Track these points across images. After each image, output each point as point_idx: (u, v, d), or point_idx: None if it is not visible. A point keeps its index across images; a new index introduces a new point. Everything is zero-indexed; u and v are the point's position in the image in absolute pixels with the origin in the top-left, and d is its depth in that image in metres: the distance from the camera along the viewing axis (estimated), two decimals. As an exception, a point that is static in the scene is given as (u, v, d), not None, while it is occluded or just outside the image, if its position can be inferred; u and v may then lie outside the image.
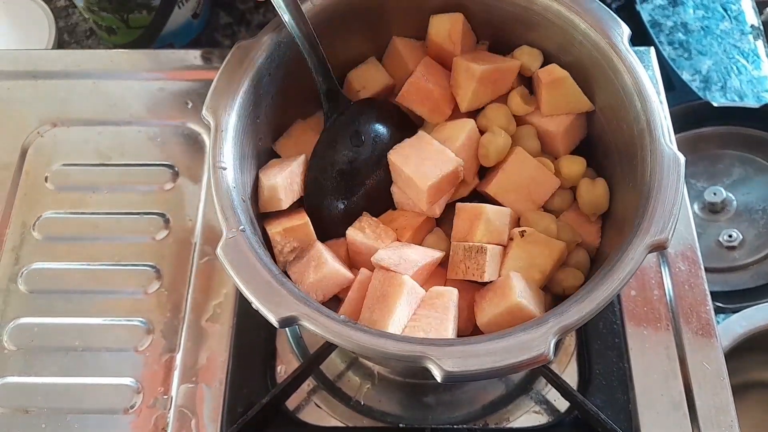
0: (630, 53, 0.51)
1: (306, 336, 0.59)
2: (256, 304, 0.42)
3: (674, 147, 0.47)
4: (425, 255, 0.50)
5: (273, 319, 0.41)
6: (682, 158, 0.46)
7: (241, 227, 0.45)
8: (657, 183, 0.45)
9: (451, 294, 0.47)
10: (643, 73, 0.50)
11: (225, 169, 0.47)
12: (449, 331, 0.45)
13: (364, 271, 0.50)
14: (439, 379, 0.39)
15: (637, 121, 0.49)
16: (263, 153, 0.54)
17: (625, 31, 0.51)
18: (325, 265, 0.49)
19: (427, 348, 0.40)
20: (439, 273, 0.52)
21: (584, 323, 0.42)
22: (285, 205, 0.52)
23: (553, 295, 0.51)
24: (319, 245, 0.51)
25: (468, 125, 0.54)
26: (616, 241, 0.47)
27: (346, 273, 0.50)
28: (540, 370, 0.55)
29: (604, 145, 0.55)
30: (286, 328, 0.58)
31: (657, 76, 0.73)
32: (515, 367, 0.40)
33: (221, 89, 0.49)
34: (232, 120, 0.49)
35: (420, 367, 0.40)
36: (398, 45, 0.58)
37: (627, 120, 0.50)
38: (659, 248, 0.44)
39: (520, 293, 0.46)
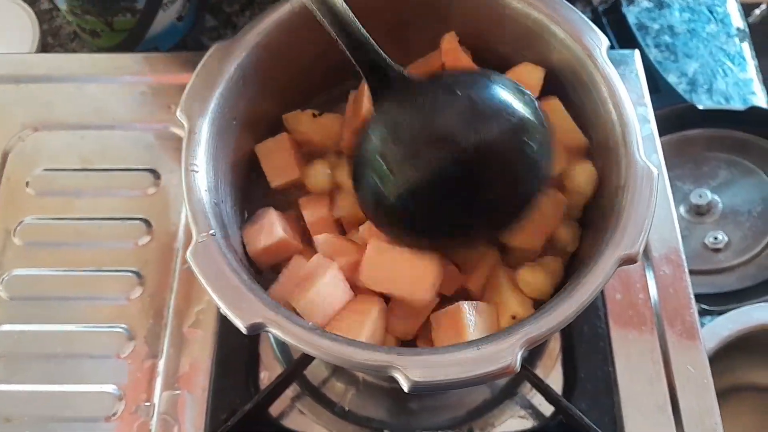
0: (607, 64, 0.50)
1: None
2: (224, 309, 0.42)
3: (649, 160, 0.47)
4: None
5: (240, 325, 0.41)
6: (655, 171, 0.46)
7: (212, 231, 0.44)
8: (630, 196, 0.45)
9: (377, 303, 0.47)
10: (620, 85, 0.50)
11: (197, 171, 0.46)
12: (362, 338, 0.45)
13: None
14: (405, 389, 0.39)
15: (613, 133, 0.49)
16: (240, 156, 0.54)
17: (604, 41, 0.51)
18: (276, 234, 0.50)
19: (394, 358, 0.40)
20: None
21: (552, 334, 0.42)
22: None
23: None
24: (272, 212, 0.52)
25: None
26: (591, 248, 0.46)
27: (295, 244, 0.51)
28: (524, 375, 0.55)
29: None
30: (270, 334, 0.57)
31: (641, 79, 0.73)
32: (481, 378, 0.40)
33: (196, 91, 0.49)
34: (206, 122, 0.48)
35: (387, 377, 0.40)
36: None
37: (604, 131, 0.50)
38: (629, 262, 0.43)
39: (472, 330, 0.46)
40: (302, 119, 0.56)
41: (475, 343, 0.41)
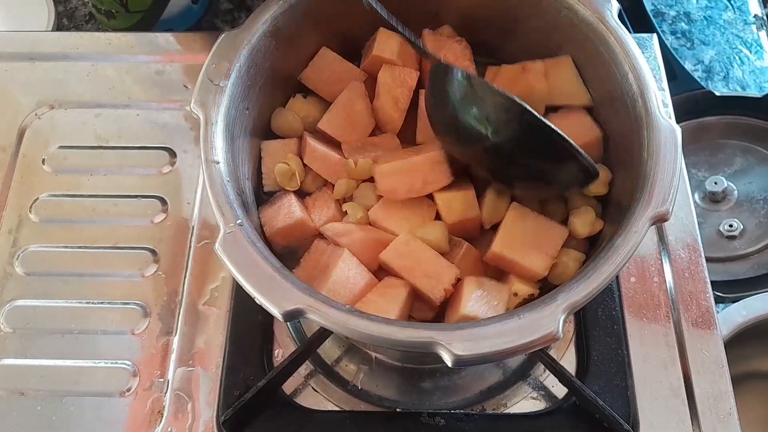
0: (621, 27, 0.50)
1: (303, 320, 0.59)
2: (260, 298, 0.41)
3: (670, 120, 0.47)
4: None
5: (277, 313, 0.41)
6: (678, 129, 0.46)
7: (239, 221, 0.44)
8: (655, 156, 0.45)
9: (404, 286, 0.48)
10: (635, 47, 0.50)
11: (218, 163, 0.46)
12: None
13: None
14: (449, 364, 0.39)
15: (631, 97, 0.49)
16: (254, 142, 0.54)
17: (614, 4, 0.51)
18: (294, 215, 0.50)
19: (436, 333, 0.39)
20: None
21: (591, 299, 0.41)
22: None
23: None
24: (291, 195, 0.52)
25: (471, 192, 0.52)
26: (614, 225, 0.46)
27: (311, 225, 0.51)
28: (538, 356, 0.55)
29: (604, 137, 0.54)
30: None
31: (659, 64, 0.72)
32: (526, 347, 0.39)
33: (209, 81, 0.49)
34: (221, 112, 0.48)
35: (430, 353, 0.40)
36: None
37: (621, 98, 0.50)
38: (661, 220, 0.43)
39: (470, 307, 0.46)
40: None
41: (516, 313, 0.40)
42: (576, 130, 0.53)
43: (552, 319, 0.40)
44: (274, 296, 0.41)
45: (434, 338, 0.39)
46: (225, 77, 0.49)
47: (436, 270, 0.48)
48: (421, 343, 0.40)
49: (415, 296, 0.49)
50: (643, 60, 0.49)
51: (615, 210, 0.50)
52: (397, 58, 0.56)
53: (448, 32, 0.59)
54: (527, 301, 0.48)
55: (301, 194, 0.54)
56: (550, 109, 0.56)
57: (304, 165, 0.54)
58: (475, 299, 0.47)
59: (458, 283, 0.48)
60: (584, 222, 0.50)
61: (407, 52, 0.57)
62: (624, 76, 0.49)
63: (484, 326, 0.40)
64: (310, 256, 0.51)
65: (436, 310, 0.49)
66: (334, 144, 0.55)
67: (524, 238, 0.49)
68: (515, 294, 0.47)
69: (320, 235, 0.52)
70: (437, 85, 0.50)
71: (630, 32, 0.53)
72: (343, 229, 0.51)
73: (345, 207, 0.53)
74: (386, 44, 0.56)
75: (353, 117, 0.55)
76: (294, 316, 0.41)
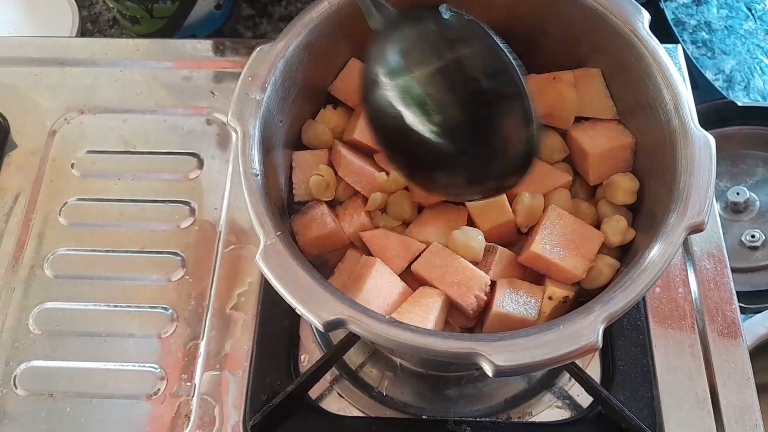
0: (652, 38, 0.51)
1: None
2: (301, 309, 0.41)
3: (703, 130, 0.47)
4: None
5: (318, 324, 0.41)
6: (712, 140, 0.46)
7: (278, 233, 0.44)
8: (689, 166, 0.45)
9: (438, 296, 0.48)
10: (667, 58, 0.50)
11: (257, 175, 0.47)
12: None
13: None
14: (490, 374, 0.39)
15: (663, 107, 0.49)
16: (285, 153, 0.54)
17: (646, 16, 0.51)
18: (328, 226, 0.51)
19: (476, 344, 0.40)
20: None
21: (629, 309, 0.42)
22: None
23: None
24: (323, 205, 0.52)
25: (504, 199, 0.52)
26: (649, 235, 0.46)
27: (344, 236, 0.52)
28: (564, 365, 0.55)
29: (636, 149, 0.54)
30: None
31: (684, 74, 0.72)
32: (566, 358, 0.40)
33: (245, 95, 0.49)
34: (258, 125, 0.49)
35: (469, 363, 0.40)
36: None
37: (653, 108, 0.50)
38: (697, 230, 0.44)
39: (502, 305, 0.47)
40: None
41: (556, 324, 0.41)
42: (607, 136, 0.54)
43: (592, 330, 0.40)
44: (314, 307, 0.41)
45: (475, 349, 0.39)
46: (261, 90, 0.49)
47: (467, 277, 0.48)
48: (462, 354, 0.40)
49: (451, 305, 0.49)
50: (675, 71, 0.49)
51: (647, 220, 0.50)
52: None
53: None
54: (563, 304, 0.48)
55: (331, 203, 0.54)
56: (577, 120, 0.56)
57: (336, 175, 0.55)
58: (507, 298, 0.47)
59: (493, 288, 0.49)
60: (616, 230, 0.50)
61: None
62: (656, 87, 0.49)
63: (525, 337, 0.40)
64: (344, 266, 0.52)
65: (475, 320, 0.49)
66: (365, 153, 0.55)
67: (563, 239, 0.49)
68: (550, 297, 0.48)
69: (352, 245, 0.53)
70: (368, 75, 0.48)
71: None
72: (379, 235, 0.51)
73: (380, 221, 0.53)
74: None
75: None
76: (335, 327, 0.41)
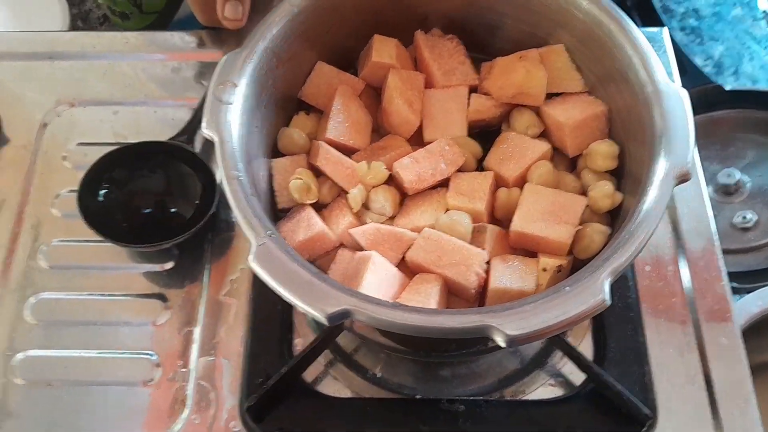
0: (611, 4, 0.51)
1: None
2: (302, 306, 0.41)
3: (674, 85, 0.48)
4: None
5: (322, 318, 0.40)
6: (684, 92, 0.47)
7: (269, 232, 0.44)
8: (666, 121, 0.46)
9: (436, 280, 0.48)
10: (628, 20, 0.50)
11: (240, 178, 0.46)
12: None
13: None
14: (503, 345, 0.39)
15: (633, 69, 0.49)
16: (264, 162, 0.54)
17: None
18: (315, 227, 0.51)
19: (485, 316, 0.40)
20: None
21: (631, 263, 0.42)
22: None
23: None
24: (308, 208, 0.52)
25: (489, 179, 0.53)
26: (636, 195, 0.46)
27: (332, 237, 0.52)
28: (556, 343, 0.55)
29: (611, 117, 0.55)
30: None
31: (671, 57, 0.73)
32: (577, 319, 0.40)
33: (217, 101, 0.48)
34: (234, 130, 0.48)
35: (482, 336, 0.40)
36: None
37: (622, 73, 0.50)
38: (684, 178, 0.44)
39: (499, 281, 0.48)
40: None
41: (560, 287, 0.41)
42: (580, 107, 0.54)
43: (598, 288, 0.40)
44: (316, 302, 0.41)
45: (485, 321, 0.39)
46: (232, 96, 0.49)
47: (464, 256, 0.48)
48: (472, 329, 0.40)
49: (449, 290, 0.49)
50: (639, 33, 0.50)
51: (632, 183, 0.50)
52: (396, 62, 0.57)
53: (438, 33, 0.60)
54: (557, 274, 0.48)
55: (316, 207, 0.54)
56: (548, 96, 0.56)
57: (317, 176, 0.54)
58: (504, 273, 0.48)
59: (487, 267, 0.49)
60: (603, 195, 0.50)
61: (403, 56, 0.58)
62: (622, 52, 0.50)
63: (532, 303, 0.40)
64: (337, 267, 0.51)
65: (476, 302, 0.50)
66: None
67: (543, 212, 0.49)
68: (544, 269, 0.48)
69: (342, 245, 0.52)
70: None
71: (638, 26, 0.55)
72: (370, 230, 0.51)
73: (366, 218, 0.53)
74: (383, 50, 0.57)
75: (353, 119, 0.56)
76: (339, 318, 0.41)
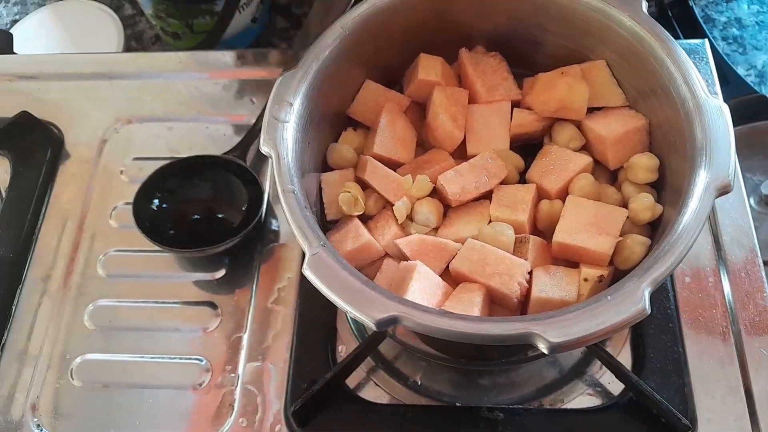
0: (650, 19, 0.52)
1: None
2: (353, 312, 0.43)
3: (715, 98, 0.49)
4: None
5: (371, 324, 0.42)
6: (725, 106, 0.48)
7: (322, 243, 0.46)
8: (707, 134, 0.47)
9: (479, 290, 0.49)
10: (667, 35, 0.51)
11: (294, 191, 0.49)
12: None
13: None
14: (546, 352, 0.41)
15: (673, 83, 0.50)
16: (314, 177, 0.57)
17: (643, 1, 0.53)
18: (362, 237, 0.53)
19: (529, 324, 0.41)
20: None
21: (671, 273, 0.43)
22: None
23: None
24: (355, 219, 0.54)
25: (531, 191, 0.54)
26: (677, 207, 0.47)
27: (378, 247, 0.54)
28: (595, 353, 0.56)
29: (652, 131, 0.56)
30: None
31: (712, 69, 0.73)
32: (617, 327, 0.41)
33: (274, 120, 0.51)
34: (289, 147, 0.51)
35: (524, 344, 0.41)
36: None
37: (663, 87, 0.51)
38: (724, 191, 0.45)
39: (541, 290, 0.49)
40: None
41: (602, 296, 0.42)
42: (621, 121, 0.55)
43: (638, 297, 0.41)
44: (366, 308, 0.43)
45: (529, 329, 0.41)
46: (288, 115, 0.52)
47: (507, 266, 0.49)
48: (516, 336, 0.41)
49: (492, 299, 0.51)
50: (680, 48, 0.51)
51: (672, 195, 0.51)
52: (441, 79, 0.59)
53: (482, 51, 0.61)
54: (599, 284, 0.49)
55: (363, 218, 0.56)
56: (590, 110, 0.57)
57: (364, 189, 0.57)
58: (546, 283, 0.49)
59: (529, 277, 0.50)
60: (643, 207, 0.51)
61: (448, 74, 0.60)
62: (663, 67, 0.51)
63: (574, 311, 0.41)
64: (383, 276, 0.53)
65: (517, 312, 0.51)
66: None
67: (585, 223, 0.50)
68: (585, 279, 0.49)
69: (387, 255, 0.54)
70: None
71: (680, 38, 0.55)
72: (415, 240, 0.53)
73: (411, 229, 0.55)
74: (430, 67, 0.59)
75: (399, 134, 0.58)
76: (388, 324, 0.42)
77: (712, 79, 0.72)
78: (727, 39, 0.97)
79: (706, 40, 0.75)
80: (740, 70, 0.92)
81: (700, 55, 0.73)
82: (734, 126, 0.83)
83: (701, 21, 0.94)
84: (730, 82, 0.89)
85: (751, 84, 0.89)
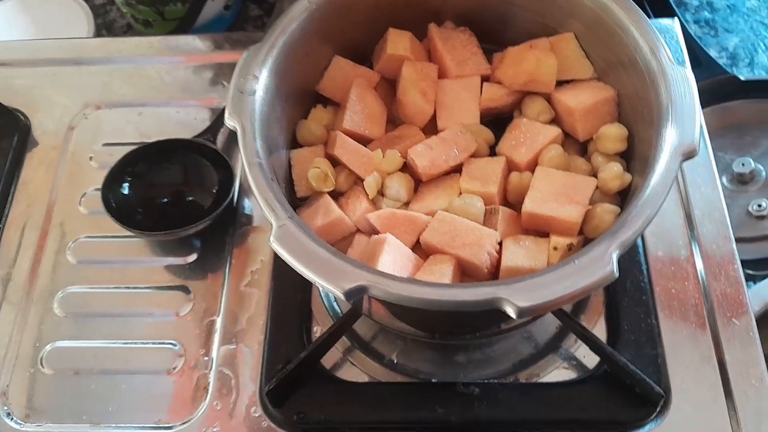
0: None
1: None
2: (321, 282, 0.42)
3: (679, 66, 0.49)
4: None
5: (340, 293, 0.42)
6: (690, 74, 0.49)
7: (289, 215, 0.46)
8: (672, 100, 0.47)
9: (449, 261, 0.49)
10: (634, 6, 0.51)
11: (261, 164, 0.48)
12: None
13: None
14: (514, 316, 0.41)
15: (641, 54, 0.50)
16: (283, 154, 0.56)
17: None
18: (333, 213, 0.52)
19: (497, 289, 0.41)
20: None
21: (638, 236, 0.43)
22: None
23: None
24: (326, 195, 0.54)
25: (501, 163, 0.54)
26: (645, 175, 0.47)
27: (349, 222, 0.53)
28: (570, 326, 0.56)
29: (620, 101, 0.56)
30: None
31: (683, 49, 0.74)
32: (585, 291, 0.41)
33: (239, 93, 0.51)
34: (256, 120, 0.50)
35: (497, 316, 0.41)
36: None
37: (631, 57, 0.51)
38: (690, 155, 0.45)
39: (511, 260, 0.49)
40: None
41: (570, 260, 0.42)
42: (589, 93, 0.55)
43: (606, 260, 0.41)
44: (334, 278, 0.42)
45: (496, 294, 0.41)
46: (254, 86, 0.51)
47: (477, 237, 0.49)
48: (485, 301, 0.41)
49: (463, 270, 0.50)
50: (644, 17, 0.51)
51: (640, 164, 0.51)
52: (410, 54, 0.58)
53: (450, 26, 0.61)
54: (568, 252, 0.49)
55: (334, 195, 0.55)
56: (559, 83, 0.57)
57: (334, 166, 0.56)
58: (515, 252, 0.49)
59: (499, 247, 0.50)
60: (613, 175, 0.51)
61: (417, 49, 0.60)
62: (629, 36, 0.51)
63: (542, 275, 0.41)
64: (354, 251, 0.53)
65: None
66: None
67: (554, 193, 0.50)
68: (555, 248, 0.49)
69: (358, 231, 0.54)
70: None
71: (651, 18, 0.55)
72: (385, 214, 0.52)
73: (382, 204, 0.54)
74: (398, 42, 0.58)
75: (368, 110, 0.57)
76: (356, 294, 0.42)
77: (683, 58, 0.72)
78: (699, 22, 0.98)
79: (676, 18, 0.75)
80: (712, 53, 0.93)
81: (670, 34, 0.74)
82: (706, 106, 0.84)
83: (673, 4, 0.95)
84: (702, 63, 0.90)
85: (723, 66, 0.90)
